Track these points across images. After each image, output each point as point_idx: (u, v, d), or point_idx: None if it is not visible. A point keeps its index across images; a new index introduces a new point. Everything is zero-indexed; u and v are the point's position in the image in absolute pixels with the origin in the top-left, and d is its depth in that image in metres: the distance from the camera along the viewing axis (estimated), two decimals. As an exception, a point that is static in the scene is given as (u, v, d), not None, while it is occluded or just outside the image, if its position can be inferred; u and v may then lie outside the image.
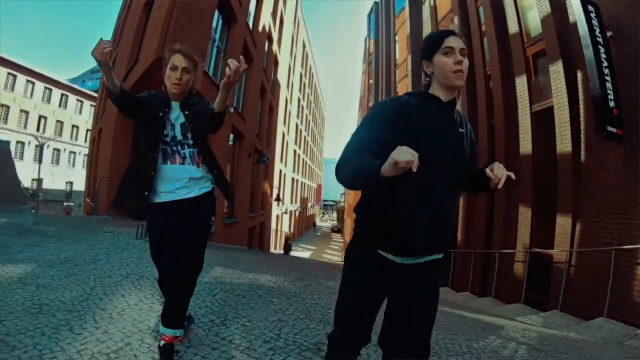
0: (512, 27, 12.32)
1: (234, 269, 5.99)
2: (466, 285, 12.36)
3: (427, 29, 19.72)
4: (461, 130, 1.76)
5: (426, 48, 1.77)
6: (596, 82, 8.42)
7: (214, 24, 12.64)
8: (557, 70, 10.07)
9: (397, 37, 25.88)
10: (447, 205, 1.72)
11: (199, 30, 11.00)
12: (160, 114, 2.45)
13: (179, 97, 2.54)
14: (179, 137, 2.50)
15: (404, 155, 1.26)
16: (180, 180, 2.48)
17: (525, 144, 11.23)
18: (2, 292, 3.57)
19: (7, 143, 37.85)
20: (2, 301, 3.31)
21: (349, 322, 1.83)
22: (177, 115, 2.53)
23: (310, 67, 54.05)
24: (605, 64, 8.51)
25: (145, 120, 2.48)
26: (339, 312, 1.86)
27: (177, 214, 2.44)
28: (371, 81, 33.39)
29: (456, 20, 15.91)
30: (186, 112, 2.52)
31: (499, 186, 1.60)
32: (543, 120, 10.75)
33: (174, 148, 2.50)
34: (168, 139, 2.49)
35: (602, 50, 8.61)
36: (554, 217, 9.73)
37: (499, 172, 1.61)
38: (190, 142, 2.52)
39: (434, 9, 19.09)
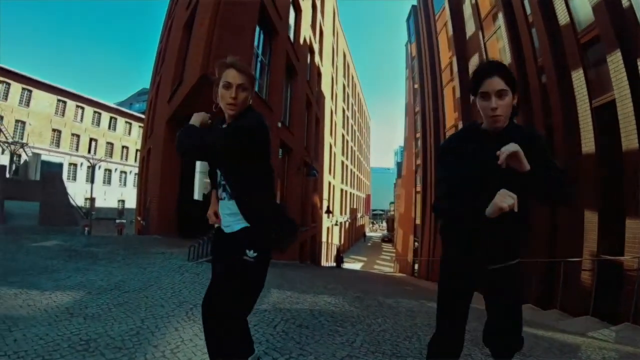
0: (562, 17, 11.67)
1: (292, 291, 5.71)
2: (529, 296, 11.55)
3: (470, 28, 19.20)
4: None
5: (470, 86, 1.98)
6: None
7: (255, 39, 12.58)
8: (615, 61, 9.45)
9: (439, 39, 25.27)
10: (504, 222, 1.81)
11: (242, 44, 10.95)
12: None
13: (235, 118, 2.21)
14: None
15: (508, 200, 1.64)
16: (224, 216, 2.26)
17: (587, 142, 10.52)
18: (48, 325, 3.41)
19: (60, 165, 39.61)
20: (48, 336, 3.14)
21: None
22: None
23: (353, 77, 53.84)
24: None
25: None
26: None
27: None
28: (416, 85, 32.84)
29: (500, 15, 15.27)
30: None
31: (499, 161, 1.70)
32: (605, 116, 10.11)
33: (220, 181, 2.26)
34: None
35: None
36: (623, 220, 9.04)
37: (506, 146, 1.71)
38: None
39: (475, 7, 18.45)
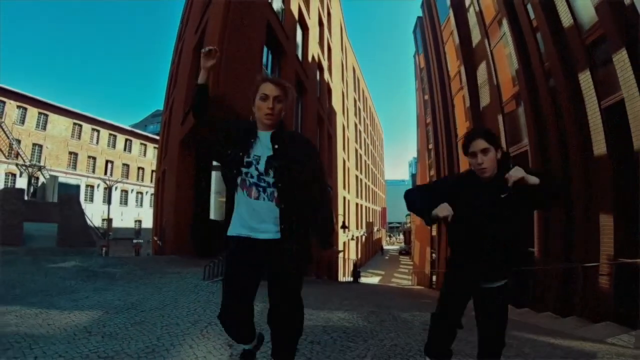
0: (566, 19, 11.66)
1: (306, 307, 5.74)
2: (547, 304, 11.38)
3: (476, 36, 19.21)
4: (502, 195, 2.27)
5: (463, 149, 2.46)
6: None
7: (263, 60, 12.80)
8: (621, 60, 9.38)
9: (446, 49, 25.34)
10: (493, 248, 2.34)
11: (250, 70, 11.14)
12: (244, 143, 2.30)
13: (271, 128, 2.34)
14: (262, 170, 2.27)
15: (442, 211, 2.19)
16: (262, 219, 2.29)
17: (599, 144, 10.41)
18: (67, 343, 3.52)
19: (77, 187, 40.24)
20: (68, 353, 3.25)
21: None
22: (264, 147, 2.31)
23: (363, 91, 54.07)
24: None
25: (224, 149, 2.34)
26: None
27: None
28: (426, 97, 32.86)
29: (505, 22, 15.32)
30: (276, 146, 2.29)
31: (509, 183, 2.15)
32: (615, 116, 9.99)
33: (252, 180, 2.29)
34: (249, 171, 2.29)
35: None
36: (638, 222, 8.85)
37: (514, 172, 2.15)
38: (272, 180, 2.26)
39: (480, 15, 18.48)
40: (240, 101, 10.13)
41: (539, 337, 5.84)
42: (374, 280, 32.11)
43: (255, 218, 2.25)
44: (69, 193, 27.49)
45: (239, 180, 2.28)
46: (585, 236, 10.85)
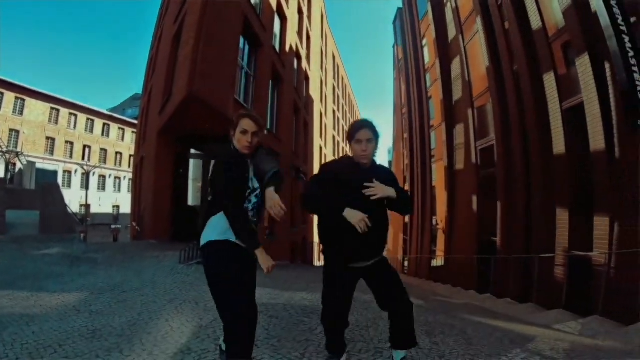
0: (535, 22, 12.10)
1: (272, 289, 6.25)
2: (507, 291, 12.09)
3: (452, 32, 19.61)
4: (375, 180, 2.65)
5: (348, 136, 2.79)
6: (623, 74, 8.25)
7: (240, 51, 13.07)
8: (584, 64, 9.79)
9: (424, 42, 25.70)
10: (373, 227, 2.55)
11: (226, 60, 11.41)
12: (246, 175, 2.67)
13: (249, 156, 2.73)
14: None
15: (355, 219, 2.48)
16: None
17: (558, 143, 10.97)
18: (60, 320, 4.04)
19: (55, 173, 39.73)
20: (61, 328, 3.78)
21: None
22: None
23: (343, 78, 54.00)
24: (631, 53, 8.30)
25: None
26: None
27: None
28: (403, 87, 33.19)
29: (479, 20, 15.78)
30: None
31: (376, 197, 2.57)
32: (574, 118, 10.49)
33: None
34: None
35: (626, 39, 8.40)
36: (592, 218, 9.43)
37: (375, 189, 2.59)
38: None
39: (456, 11, 18.89)
40: (217, 93, 10.48)
41: (486, 320, 6.29)
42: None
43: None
44: (50, 181, 27.29)
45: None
46: (543, 229, 11.49)
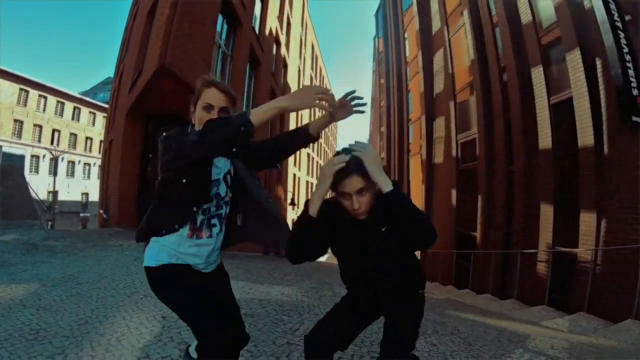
0: (525, 16, 11.95)
1: (246, 282, 5.75)
2: (486, 287, 11.89)
3: (436, 24, 19.41)
4: (382, 229, 1.91)
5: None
6: (618, 70, 8.18)
7: (218, 29, 12.56)
8: (574, 60, 9.72)
9: (406, 34, 25.54)
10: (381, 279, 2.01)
11: (203, 35, 10.88)
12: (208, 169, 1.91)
13: None
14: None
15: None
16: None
17: (545, 138, 10.87)
18: (1, 317, 3.45)
19: (22, 157, 38.32)
20: (1, 327, 3.19)
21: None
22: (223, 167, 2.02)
23: (321, 69, 53.80)
24: (626, 49, 8.28)
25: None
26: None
27: None
28: (382, 80, 33.11)
29: (465, 12, 15.55)
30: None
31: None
32: (562, 113, 10.44)
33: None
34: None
35: (621, 35, 8.37)
36: (577, 214, 9.37)
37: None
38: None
39: (442, 3, 18.70)
40: (191, 68, 9.91)
41: (476, 317, 6.08)
42: (324, 257, 32.42)
43: None
44: (12, 164, 26.12)
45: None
46: (526, 224, 11.37)
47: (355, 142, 1.89)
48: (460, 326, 4.57)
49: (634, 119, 7.89)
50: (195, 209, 1.84)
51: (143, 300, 4.11)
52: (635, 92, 8.03)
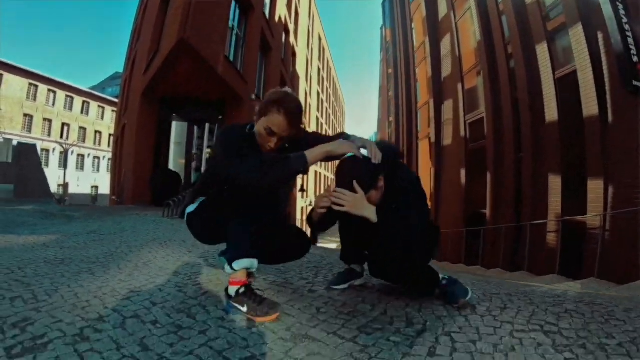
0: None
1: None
2: (497, 261, 11.87)
3: (442, 10, 19.43)
4: (393, 206, 2.08)
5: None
6: (617, 37, 8.47)
7: (231, 13, 12.78)
8: (577, 34, 9.95)
9: (413, 24, 25.50)
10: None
11: (218, 14, 11.11)
12: None
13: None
14: None
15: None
16: None
17: (551, 112, 11.00)
18: (25, 251, 3.55)
19: (35, 147, 38.53)
20: (23, 256, 3.29)
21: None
22: None
23: (328, 61, 53.66)
24: (624, 19, 8.57)
25: None
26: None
27: None
28: (390, 71, 33.04)
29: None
30: None
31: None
32: (567, 86, 10.54)
33: None
34: None
35: (620, 6, 8.67)
36: (585, 183, 9.48)
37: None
38: None
39: (448, -12, 18.66)
40: (208, 46, 10.08)
41: (509, 283, 6.09)
42: (332, 245, 32.41)
43: None
44: (27, 143, 26.17)
45: None
46: (534, 197, 11.44)
47: (334, 189, 2.01)
48: (474, 281, 4.61)
49: (635, 83, 8.13)
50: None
51: (168, 243, 4.24)
52: (635, 58, 8.30)
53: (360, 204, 1.96)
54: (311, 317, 1.94)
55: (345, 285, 2.49)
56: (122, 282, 2.51)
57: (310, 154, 1.90)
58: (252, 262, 1.96)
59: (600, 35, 9.27)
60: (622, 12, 8.60)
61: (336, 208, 1.97)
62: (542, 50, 11.46)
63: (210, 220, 2.12)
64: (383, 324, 1.86)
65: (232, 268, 1.92)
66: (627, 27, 8.50)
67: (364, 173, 2.00)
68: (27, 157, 19.12)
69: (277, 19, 19.30)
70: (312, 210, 2.25)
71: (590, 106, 9.44)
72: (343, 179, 2.02)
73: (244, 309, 1.89)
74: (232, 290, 1.96)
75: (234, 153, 1.90)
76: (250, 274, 2.26)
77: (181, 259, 3.38)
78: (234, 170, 1.88)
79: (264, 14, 16.34)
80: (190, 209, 2.22)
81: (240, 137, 2.03)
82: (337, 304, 2.15)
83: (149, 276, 2.68)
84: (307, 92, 34.40)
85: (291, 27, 24.49)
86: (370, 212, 1.96)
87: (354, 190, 1.96)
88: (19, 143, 23.20)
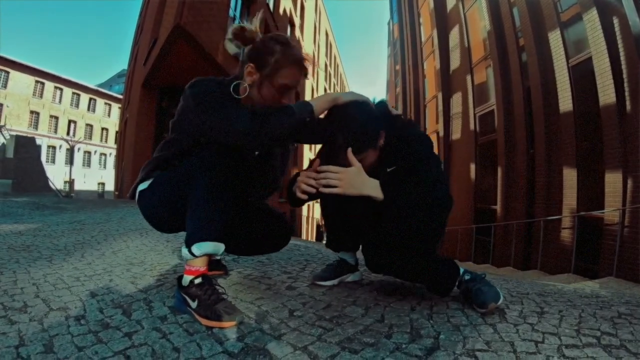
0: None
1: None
2: (508, 259, 11.46)
3: (451, 1, 19.11)
4: (389, 169, 1.75)
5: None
6: (636, 18, 8.19)
7: (232, 2, 12.65)
8: (592, 19, 9.61)
9: (421, 18, 25.26)
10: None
11: (216, 3, 10.98)
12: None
13: None
14: None
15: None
16: None
17: (565, 101, 10.64)
18: (-7, 238, 3.29)
19: (39, 147, 38.70)
20: (-10, 242, 3.02)
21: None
22: None
23: (335, 57, 53.38)
24: None
25: None
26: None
27: None
28: (398, 67, 32.85)
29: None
30: None
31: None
32: (582, 74, 10.22)
33: None
34: None
35: None
36: (602, 176, 9.11)
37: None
38: None
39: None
40: (206, 33, 9.87)
41: (531, 282, 5.79)
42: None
43: None
44: (26, 136, 26.18)
45: None
46: (548, 191, 11.03)
47: (319, 168, 1.61)
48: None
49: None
50: None
51: (149, 233, 3.88)
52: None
53: (358, 181, 1.54)
54: (279, 322, 1.44)
55: (335, 281, 2.05)
56: (76, 270, 2.20)
57: (315, 101, 1.62)
58: (217, 247, 1.53)
59: (616, 20, 8.96)
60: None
61: (326, 191, 1.55)
62: (554, 37, 11.12)
63: (169, 199, 1.66)
64: (377, 337, 1.32)
65: (190, 252, 1.48)
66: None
67: (367, 118, 1.61)
68: (26, 150, 19.03)
69: (281, 11, 19.09)
70: (294, 181, 1.78)
71: (606, 94, 9.07)
72: (339, 129, 1.58)
73: (194, 305, 1.44)
74: (186, 279, 1.51)
75: (216, 104, 1.53)
76: (220, 267, 2.03)
77: (155, 248, 3.05)
78: (218, 124, 1.50)
79: (267, 4, 16.07)
80: (143, 186, 1.73)
81: (219, 88, 1.62)
82: (318, 306, 1.64)
83: (109, 265, 2.36)
84: (314, 88, 34.15)
85: (297, 21, 24.29)
86: (372, 189, 1.55)
87: (348, 163, 1.55)
88: (17, 136, 23.10)
